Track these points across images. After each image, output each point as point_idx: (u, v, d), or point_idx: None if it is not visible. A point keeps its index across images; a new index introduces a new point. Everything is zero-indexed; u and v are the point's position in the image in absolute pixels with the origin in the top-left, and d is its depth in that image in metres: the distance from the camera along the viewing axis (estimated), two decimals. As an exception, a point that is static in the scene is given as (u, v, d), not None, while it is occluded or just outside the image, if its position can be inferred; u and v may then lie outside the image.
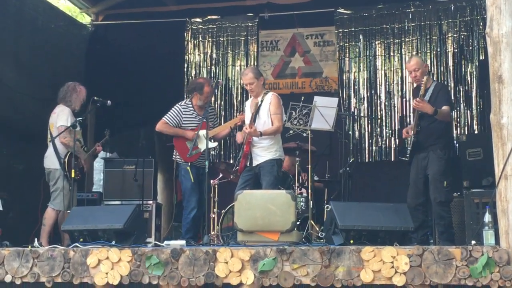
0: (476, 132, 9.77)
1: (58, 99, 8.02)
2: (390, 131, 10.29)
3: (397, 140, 10.21)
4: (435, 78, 10.07)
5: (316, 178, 8.99)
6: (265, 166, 7.36)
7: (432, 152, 7.19)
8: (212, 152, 9.28)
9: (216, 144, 8.03)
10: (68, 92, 8.01)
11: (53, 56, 9.92)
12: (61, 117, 7.83)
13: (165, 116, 7.88)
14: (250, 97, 7.75)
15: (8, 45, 9.04)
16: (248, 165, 7.50)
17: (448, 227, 7.16)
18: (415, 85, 7.72)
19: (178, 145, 7.84)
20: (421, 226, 7.09)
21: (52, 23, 10.20)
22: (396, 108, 10.32)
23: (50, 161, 7.84)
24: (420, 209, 7.20)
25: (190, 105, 7.95)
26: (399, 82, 10.34)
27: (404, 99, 10.27)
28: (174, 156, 7.95)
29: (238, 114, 10.27)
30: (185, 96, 8.28)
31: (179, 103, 7.99)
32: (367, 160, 10.34)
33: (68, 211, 7.27)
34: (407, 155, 7.49)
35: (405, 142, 8.31)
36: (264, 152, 7.40)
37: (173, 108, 7.93)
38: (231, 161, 10.00)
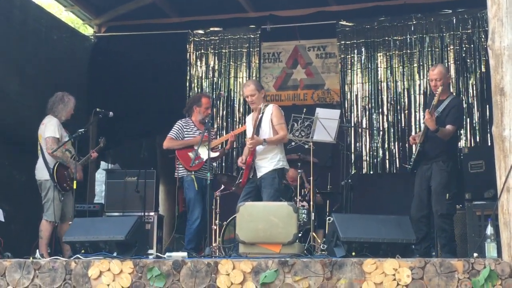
0: (478, 144, 9.74)
1: (46, 109, 7.99)
2: (392, 143, 10.28)
3: (401, 152, 10.18)
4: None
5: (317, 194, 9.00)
6: (266, 178, 7.34)
7: (435, 164, 7.14)
8: (214, 164, 9.30)
9: (217, 154, 8.12)
10: (56, 103, 7.96)
11: (55, 68, 9.94)
12: (48, 128, 7.79)
13: (170, 133, 8.08)
14: (252, 111, 7.76)
15: (11, 56, 9.06)
16: (251, 177, 7.49)
17: (450, 240, 7.12)
18: (430, 93, 7.57)
19: (181, 156, 7.94)
20: (424, 238, 7.06)
21: (55, 34, 10.23)
22: (398, 120, 10.31)
23: (40, 172, 7.82)
24: (424, 221, 7.16)
25: (190, 122, 8.18)
26: (401, 94, 10.34)
27: (406, 111, 10.27)
28: (176, 173, 8.04)
29: (240, 125, 10.32)
30: (185, 116, 8.35)
31: (180, 120, 8.17)
32: (369, 172, 10.33)
33: (70, 222, 7.27)
34: (411, 163, 7.47)
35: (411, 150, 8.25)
36: (267, 163, 7.38)
37: (175, 125, 8.13)
38: (234, 174, 9.99)
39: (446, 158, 7.16)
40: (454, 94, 8.41)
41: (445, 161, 7.14)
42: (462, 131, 9.56)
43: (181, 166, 7.96)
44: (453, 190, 7.14)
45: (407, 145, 9.86)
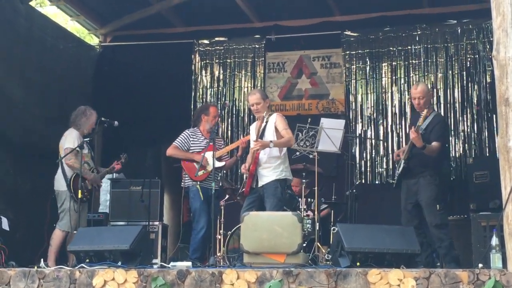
0: (484, 155, 9.73)
1: (69, 122, 8.12)
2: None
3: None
4: (441, 101, 10.11)
5: (323, 206, 8.99)
6: (268, 187, 7.33)
7: (422, 178, 7.28)
8: (220, 174, 9.30)
9: (223, 163, 8.07)
10: (78, 116, 8.11)
11: (61, 77, 9.97)
12: (68, 140, 7.92)
13: (175, 141, 8.08)
14: (257, 119, 7.76)
15: (17, 65, 9.09)
16: (254, 186, 7.49)
17: (449, 249, 7.15)
18: (414, 112, 7.72)
19: (187, 166, 7.96)
20: (421, 248, 7.05)
21: (61, 44, 10.26)
22: (402, 130, 10.30)
23: (58, 183, 7.91)
24: (416, 232, 7.16)
25: (198, 131, 8.17)
26: (406, 104, 10.34)
27: (410, 121, 10.24)
28: (183, 183, 8.05)
29: (244, 135, 10.31)
30: (192, 125, 8.37)
31: (187, 129, 8.18)
32: (373, 182, 10.32)
33: (75, 231, 7.29)
34: (395, 178, 7.57)
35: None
36: (270, 172, 7.37)
37: (181, 134, 8.13)
38: (238, 185, 9.99)
39: (433, 172, 7.30)
40: (436, 110, 8.52)
41: (432, 175, 7.28)
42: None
43: (187, 176, 7.97)
44: (442, 202, 7.27)
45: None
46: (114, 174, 9.94)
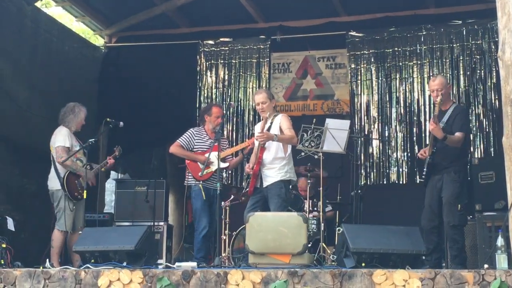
0: (490, 155, 9.71)
1: (58, 120, 8.04)
2: (402, 154, 10.26)
3: (408, 163, 10.18)
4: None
5: (329, 208, 8.99)
6: (272, 188, 7.33)
7: (446, 174, 7.06)
8: (225, 175, 9.31)
9: (227, 164, 8.08)
10: (66, 113, 8.00)
11: (66, 77, 9.99)
12: (58, 138, 7.85)
13: (179, 139, 8.08)
14: (262, 119, 7.75)
15: (22, 65, 9.11)
16: (258, 186, 7.48)
17: (461, 251, 7.07)
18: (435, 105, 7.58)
19: (191, 165, 7.96)
20: (435, 249, 7.01)
21: (66, 44, 10.28)
22: (407, 131, 10.29)
23: (52, 182, 7.85)
24: (435, 232, 7.09)
25: (203, 130, 8.16)
26: (411, 105, 10.33)
27: (415, 122, 10.25)
28: (186, 181, 8.05)
29: (250, 136, 10.32)
30: (197, 124, 8.37)
31: (193, 128, 8.17)
32: (379, 183, 10.30)
33: (80, 232, 7.29)
34: (423, 177, 7.43)
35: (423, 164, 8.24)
36: (274, 173, 7.38)
37: (186, 132, 8.13)
38: (243, 184, 9.99)
39: (458, 168, 7.10)
40: (456, 102, 8.43)
41: (456, 172, 7.07)
42: (471, 143, 9.53)
43: (190, 174, 7.97)
44: (464, 201, 7.07)
45: (416, 155, 9.82)
46: (119, 174, 9.96)
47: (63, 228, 7.66)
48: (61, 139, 7.82)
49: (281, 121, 7.47)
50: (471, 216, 7.71)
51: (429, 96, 10.17)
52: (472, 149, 9.84)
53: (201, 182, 7.84)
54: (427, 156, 7.21)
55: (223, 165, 7.87)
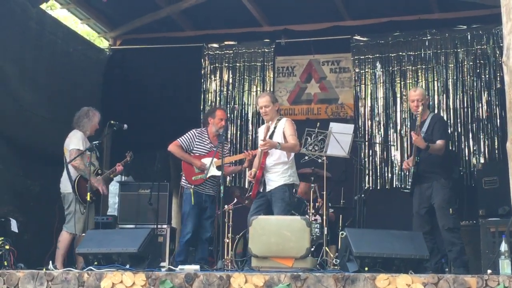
0: (494, 160, 9.70)
1: (72, 123, 8.11)
2: (406, 158, 10.23)
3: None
4: (451, 106, 10.09)
5: (331, 210, 8.98)
6: (276, 192, 7.34)
7: (436, 181, 7.31)
8: (229, 178, 9.30)
9: (219, 173, 7.50)
10: (81, 117, 8.10)
11: (71, 80, 10.00)
12: (73, 141, 7.92)
13: (179, 139, 8.06)
14: (265, 122, 7.75)
15: (27, 67, 9.12)
16: (261, 190, 7.49)
17: (460, 253, 7.14)
18: (414, 116, 7.77)
19: (186, 167, 7.98)
20: (431, 254, 7.05)
21: (71, 47, 10.30)
22: (411, 135, 10.26)
23: (64, 185, 7.91)
24: (427, 237, 7.15)
25: (205, 133, 8.13)
26: (415, 109, 10.31)
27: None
28: (181, 182, 8.06)
29: (252, 140, 10.33)
30: (201, 126, 8.37)
31: (195, 129, 8.13)
32: (382, 187, 10.29)
33: (83, 234, 7.30)
34: (408, 187, 7.59)
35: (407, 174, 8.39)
36: (277, 177, 7.38)
37: (188, 132, 8.10)
38: (246, 186, 9.99)
39: (446, 175, 7.37)
40: (432, 111, 8.58)
41: (446, 179, 7.34)
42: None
43: (183, 177, 7.98)
44: (455, 206, 7.35)
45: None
46: (123, 177, 9.96)
47: (72, 230, 7.71)
48: (75, 142, 7.90)
49: (285, 126, 7.46)
50: (474, 221, 7.73)
51: (433, 100, 10.16)
52: (476, 154, 9.85)
53: (193, 186, 7.83)
54: (410, 166, 7.38)
55: (217, 173, 7.67)
